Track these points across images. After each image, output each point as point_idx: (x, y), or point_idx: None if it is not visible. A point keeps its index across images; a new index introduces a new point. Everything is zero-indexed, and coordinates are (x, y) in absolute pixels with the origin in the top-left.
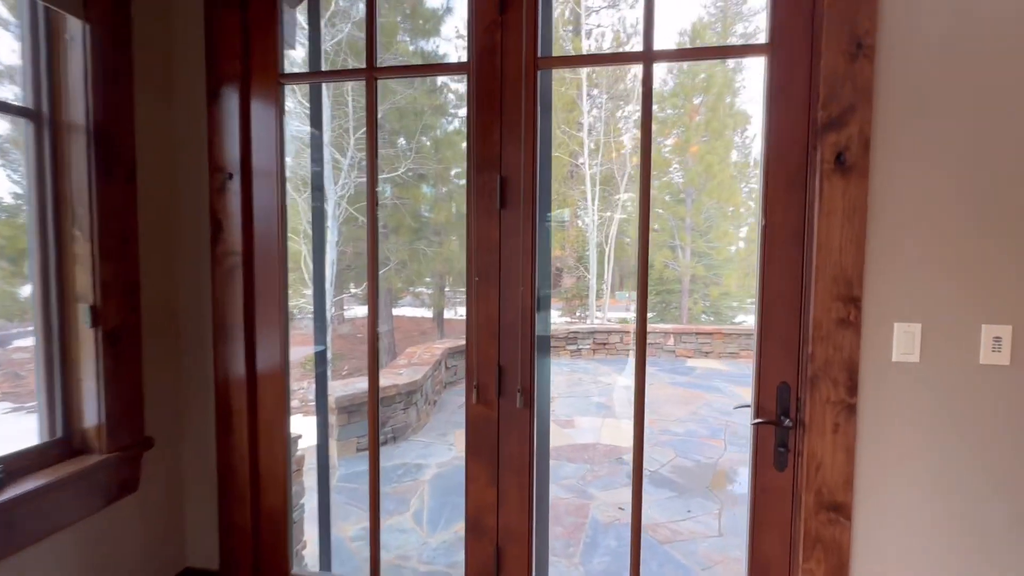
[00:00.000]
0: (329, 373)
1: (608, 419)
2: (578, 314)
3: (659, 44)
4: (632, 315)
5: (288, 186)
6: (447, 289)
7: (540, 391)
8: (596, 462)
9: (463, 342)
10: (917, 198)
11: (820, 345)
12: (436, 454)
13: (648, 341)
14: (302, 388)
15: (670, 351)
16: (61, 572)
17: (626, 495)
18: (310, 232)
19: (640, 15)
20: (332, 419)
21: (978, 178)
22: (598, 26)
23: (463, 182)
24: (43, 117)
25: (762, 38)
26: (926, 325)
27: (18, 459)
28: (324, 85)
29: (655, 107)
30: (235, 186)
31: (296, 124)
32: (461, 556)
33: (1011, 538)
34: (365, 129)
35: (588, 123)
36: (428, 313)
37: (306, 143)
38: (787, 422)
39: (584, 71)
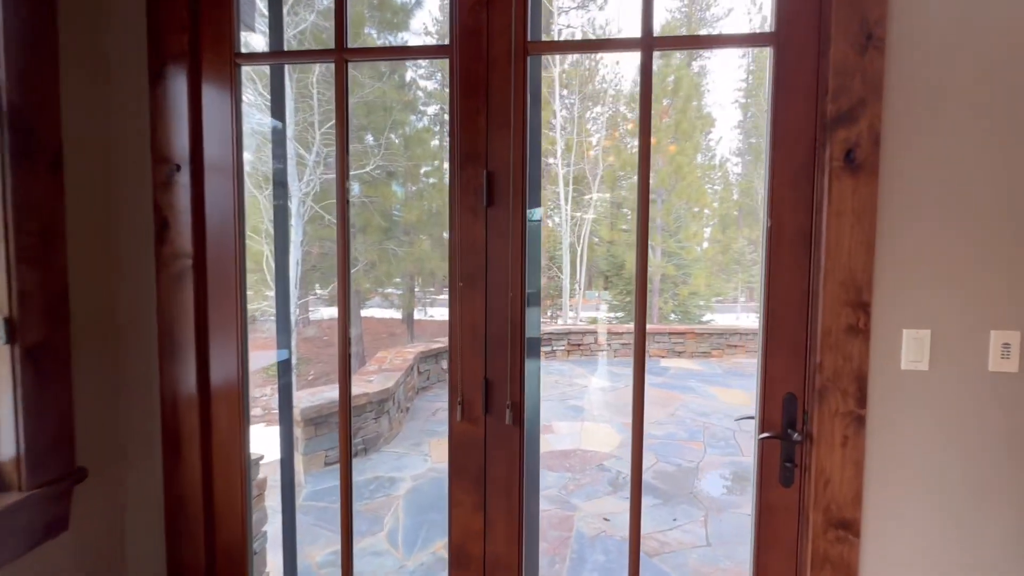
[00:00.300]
0: (294, 382)
1: (587, 423)
2: (550, 314)
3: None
4: (603, 315)
5: (248, 182)
6: (417, 290)
7: (530, 405)
8: (577, 470)
9: (436, 345)
10: (926, 198)
11: (829, 354)
12: (411, 466)
13: (622, 342)
14: (264, 395)
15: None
16: None
17: (610, 504)
18: (272, 231)
19: (609, 16)
20: (297, 431)
21: (989, 178)
22: (568, 26)
23: (433, 180)
24: None
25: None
26: (935, 331)
27: None
28: (288, 75)
29: (623, 108)
30: (184, 179)
31: (257, 117)
32: None
33: (1021, 551)
34: (333, 122)
35: (559, 123)
36: (397, 314)
37: (267, 137)
38: (796, 436)
39: (556, 70)
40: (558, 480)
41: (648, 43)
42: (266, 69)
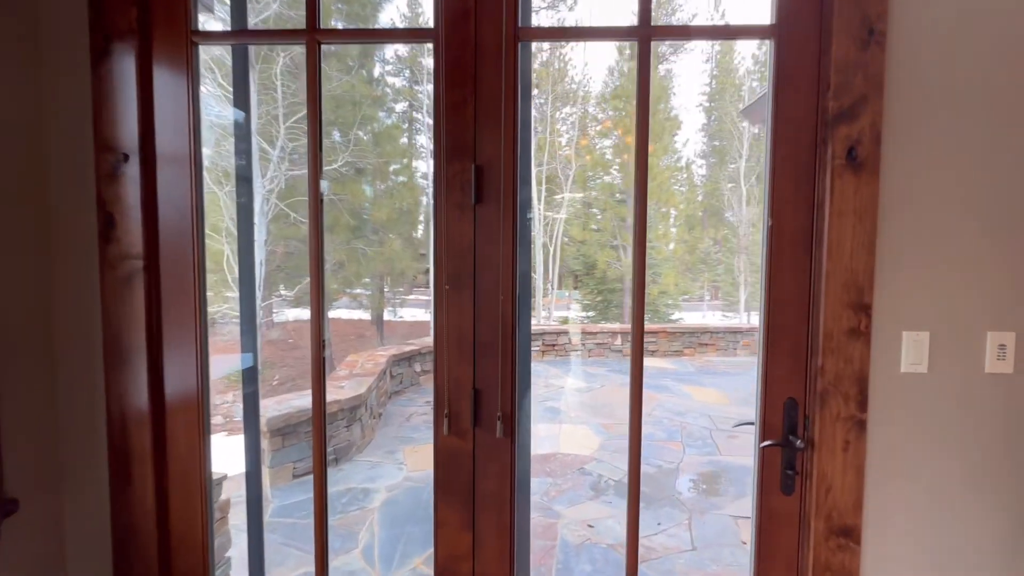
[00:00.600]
0: (260, 391)
1: (565, 425)
2: None
3: (592, 46)
4: (575, 314)
5: (207, 178)
6: (387, 290)
7: (522, 415)
8: (558, 474)
9: (408, 348)
10: (925, 197)
11: (831, 357)
12: (385, 475)
13: (596, 341)
14: (225, 402)
15: (617, 351)
16: None
17: (593, 510)
18: (234, 230)
19: (579, 16)
20: (264, 443)
21: (987, 178)
22: (538, 26)
23: (403, 179)
24: None
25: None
26: (934, 333)
27: None
28: (252, 63)
29: (593, 108)
30: (132, 171)
31: (215, 109)
32: None
33: (1018, 552)
34: (298, 116)
35: (532, 122)
36: (366, 315)
37: (227, 131)
38: (799, 443)
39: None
40: (539, 486)
41: (645, 33)
42: (226, 59)
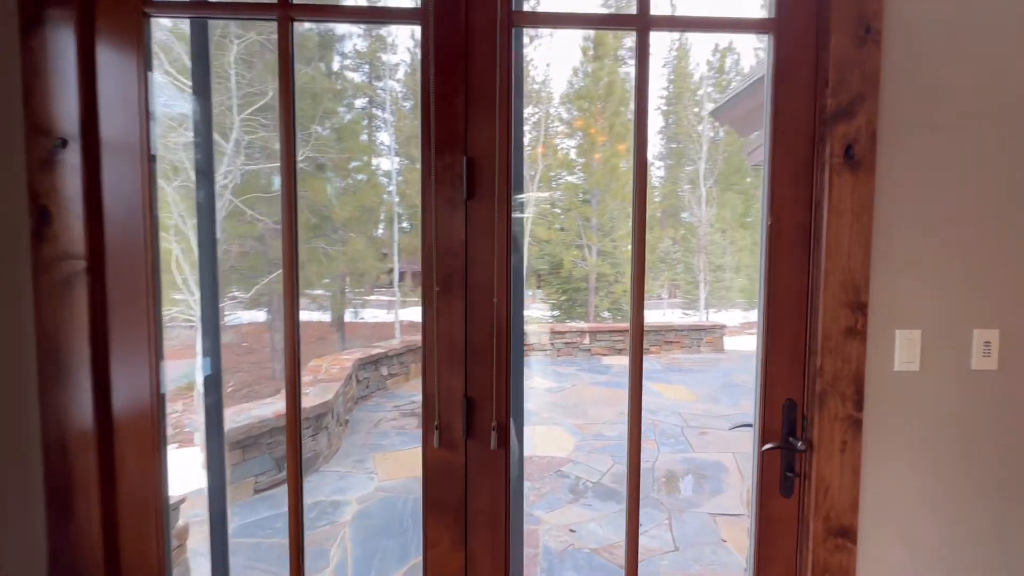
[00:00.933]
0: (224, 400)
1: (539, 426)
2: None
3: (559, 44)
4: (539, 313)
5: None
6: (348, 291)
7: (516, 424)
8: (535, 478)
9: (375, 351)
10: (918, 195)
11: (829, 357)
12: (355, 486)
13: (565, 341)
14: (175, 412)
15: (586, 350)
16: None
17: (574, 514)
18: (183, 228)
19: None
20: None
21: (976, 176)
22: None
23: (362, 177)
24: None
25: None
26: (925, 331)
27: None
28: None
29: (556, 109)
30: (72, 158)
31: (162, 98)
32: None
33: (1006, 544)
34: (254, 107)
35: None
36: (326, 317)
37: (175, 121)
38: (800, 445)
39: None
40: None
41: (645, 23)
42: (173, 44)
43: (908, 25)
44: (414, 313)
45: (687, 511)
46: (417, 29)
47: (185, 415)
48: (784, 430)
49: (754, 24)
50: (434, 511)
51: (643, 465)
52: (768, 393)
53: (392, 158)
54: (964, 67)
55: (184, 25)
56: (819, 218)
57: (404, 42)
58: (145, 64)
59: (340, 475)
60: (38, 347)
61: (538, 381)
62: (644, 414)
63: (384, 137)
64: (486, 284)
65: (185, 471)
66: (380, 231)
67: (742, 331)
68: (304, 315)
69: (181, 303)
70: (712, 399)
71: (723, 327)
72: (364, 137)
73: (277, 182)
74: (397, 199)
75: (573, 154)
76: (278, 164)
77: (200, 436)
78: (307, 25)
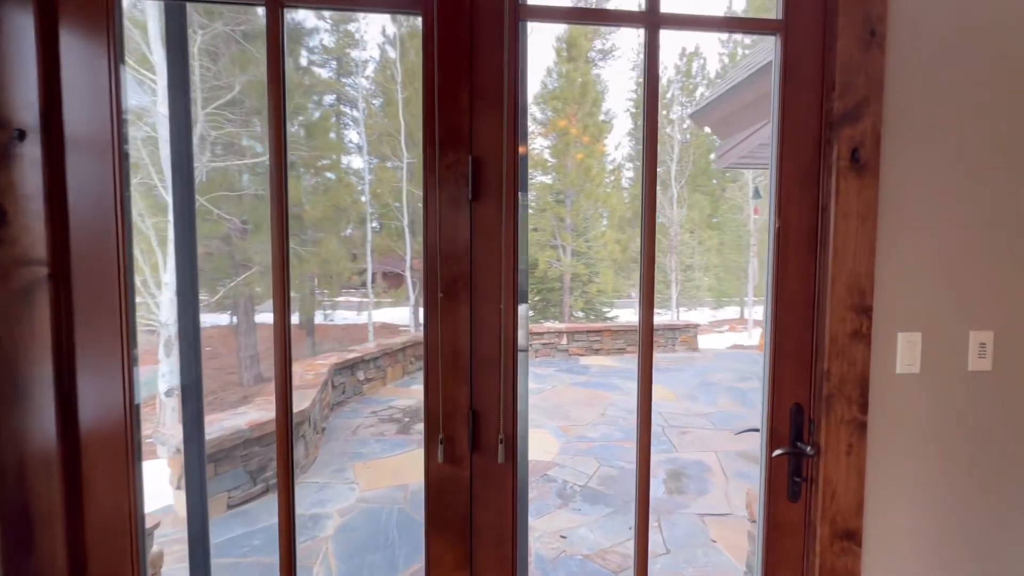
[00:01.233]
0: (202, 410)
1: None
2: None
3: (532, 45)
4: None
5: None
6: (317, 292)
7: (521, 435)
8: None
9: (351, 355)
10: (920, 199)
11: (836, 361)
12: (336, 498)
13: (543, 342)
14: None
15: (563, 350)
16: None
17: (563, 519)
18: (143, 227)
19: None
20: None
21: (974, 180)
22: None
23: (332, 176)
24: None
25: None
26: (926, 334)
27: None
28: (190, 35)
29: (536, 108)
30: (31, 151)
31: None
32: None
33: (1004, 544)
34: (220, 102)
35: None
36: (294, 319)
37: (131, 114)
38: (808, 449)
39: None
40: None
41: (653, 20)
42: (132, 31)
43: (912, 28)
44: (387, 315)
45: (675, 512)
46: (389, 25)
47: (147, 426)
48: (791, 434)
49: (763, 24)
50: (437, 528)
51: (628, 467)
52: (776, 398)
53: (363, 156)
54: (966, 71)
55: (139, 12)
56: (826, 221)
57: (374, 38)
58: (117, 52)
59: (320, 486)
60: None
61: None
62: (623, 414)
63: (352, 135)
64: (492, 290)
65: (149, 486)
66: (349, 231)
67: (711, 329)
68: (268, 317)
69: (141, 306)
70: (690, 397)
71: (696, 325)
72: (333, 135)
73: (245, 179)
74: (368, 198)
75: (547, 155)
76: (245, 161)
77: (164, 449)
78: (292, 17)
